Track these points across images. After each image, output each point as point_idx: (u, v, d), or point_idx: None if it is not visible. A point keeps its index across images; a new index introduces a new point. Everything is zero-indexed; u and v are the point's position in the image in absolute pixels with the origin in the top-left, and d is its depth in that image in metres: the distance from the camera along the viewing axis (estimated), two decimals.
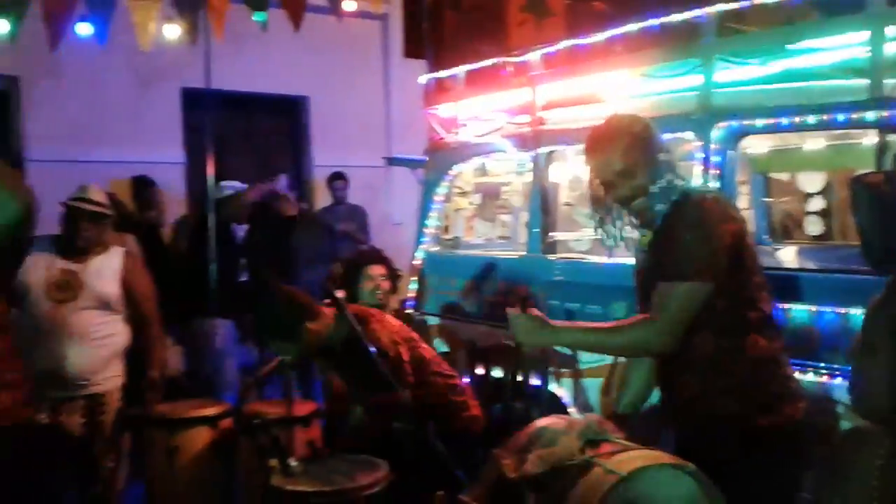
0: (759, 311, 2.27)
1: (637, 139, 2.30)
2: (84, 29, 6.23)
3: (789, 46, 3.33)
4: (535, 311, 2.37)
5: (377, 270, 4.05)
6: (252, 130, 9.54)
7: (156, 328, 4.22)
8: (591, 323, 2.46)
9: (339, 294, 3.52)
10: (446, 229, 4.92)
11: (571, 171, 4.35)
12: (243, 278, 6.08)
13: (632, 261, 3.64)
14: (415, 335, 3.34)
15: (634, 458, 2.00)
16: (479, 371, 3.96)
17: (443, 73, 4.83)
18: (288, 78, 9.04)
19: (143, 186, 6.93)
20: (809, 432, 2.31)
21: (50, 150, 7.49)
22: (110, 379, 4.04)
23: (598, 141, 2.36)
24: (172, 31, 6.08)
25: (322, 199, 8.59)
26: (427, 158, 5.02)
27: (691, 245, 2.18)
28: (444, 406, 3.17)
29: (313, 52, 8.72)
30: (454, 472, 2.47)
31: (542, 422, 2.30)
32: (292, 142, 9.90)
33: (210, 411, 3.99)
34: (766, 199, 4.57)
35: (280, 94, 9.39)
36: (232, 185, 5.97)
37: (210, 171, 5.62)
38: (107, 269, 4.01)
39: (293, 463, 2.81)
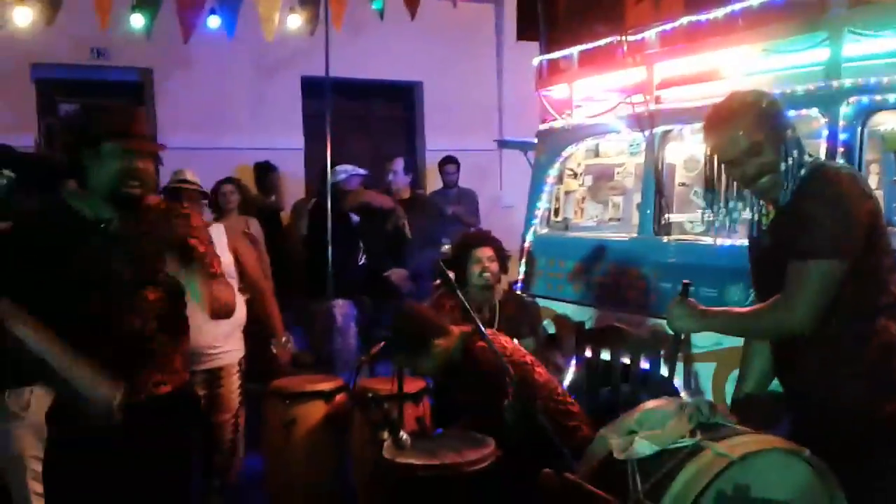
0: (889, 295, 2.18)
1: (764, 115, 2.23)
2: (214, 22, 6.53)
3: None
4: (693, 301, 2.38)
5: (485, 252, 4.07)
6: (368, 116, 9.76)
7: (270, 300, 4.36)
8: (737, 308, 2.45)
9: (450, 275, 3.58)
10: (556, 211, 4.88)
11: (687, 151, 4.24)
12: (361, 261, 6.24)
13: (748, 241, 3.56)
14: (528, 359, 3.31)
15: (746, 442, 1.96)
16: (588, 354, 3.94)
17: (556, 55, 4.79)
18: (402, 64, 9.19)
19: (264, 172, 7.26)
20: None
21: (181, 138, 7.93)
22: (230, 353, 4.20)
23: (723, 118, 2.29)
24: (294, 22, 6.29)
25: (434, 182, 8.71)
26: (538, 140, 5.00)
27: (829, 221, 2.11)
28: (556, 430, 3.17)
29: (427, 38, 8.82)
30: (561, 450, 2.46)
31: (650, 403, 2.27)
32: (406, 127, 10.07)
33: (325, 386, 4.16)
34: None
35: (394, 81, 9.56)
36: (345, 170, 6.13)
37: (328, 156, 5.78)
38: (216, 241, 4.20)
39: (403, 436, 2.88)
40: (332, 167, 5.94)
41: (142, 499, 2.43)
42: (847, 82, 3.20)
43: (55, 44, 7.34)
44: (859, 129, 3.15)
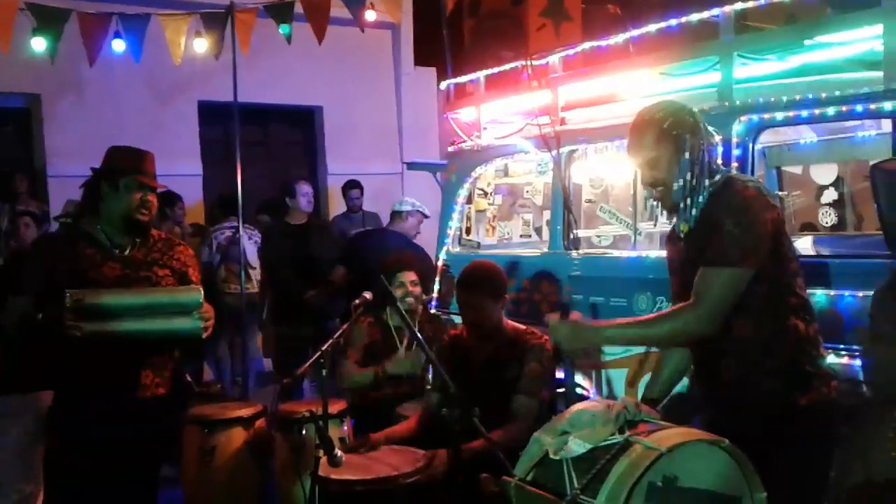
0: (796, 296, 2.35)
1: (663, 134, 2.36)
2: (118, 46, 6.33)
3: (806, 42, 3.42)
4: (577, 315, 2.42)
5: (409, 276, 4.12)
6: (268, 141, 9.68)
7: None
8: (631, 318, 2.53)
9: (367, 296, 3.62)
10: (468, 230, 5.01)
11: (592, 170, 4.45)
12: None
13: (654, 253, 3.76)
14: None
15: (672, 435, 2.05)
16: None
17: (463, 79, 4.94)
18: (302, 89, 9.19)
19: (171, 202, 6.96)
20: (838, 411, 2.39)
21: (72, 166, 7.63)
22: None
23: (632, 128, 2.45)
24: (200, 46, 6.19)
25: (336, 206, 8.71)
26: (448, 162, 5.12)
27: (736, 232, 2.24)
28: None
29: (326, 64, 8.86)
30: (497, 455, 2.54)
31: (580, 405, 2.36)
32: (307, 151, 10.03)
33: (244, 412, 4.09)
34: (780, 193, 4.66)
35: (295, 105, 9.53)
36: (412, 204, 5.97)
37: (238, 182, 5.70)
38: None
39: (338, 454, 2.89)
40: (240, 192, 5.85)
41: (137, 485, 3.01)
42: (738, 102, 3.46)
43: None
44: (750, 145, 3.41)
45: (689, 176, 2.35)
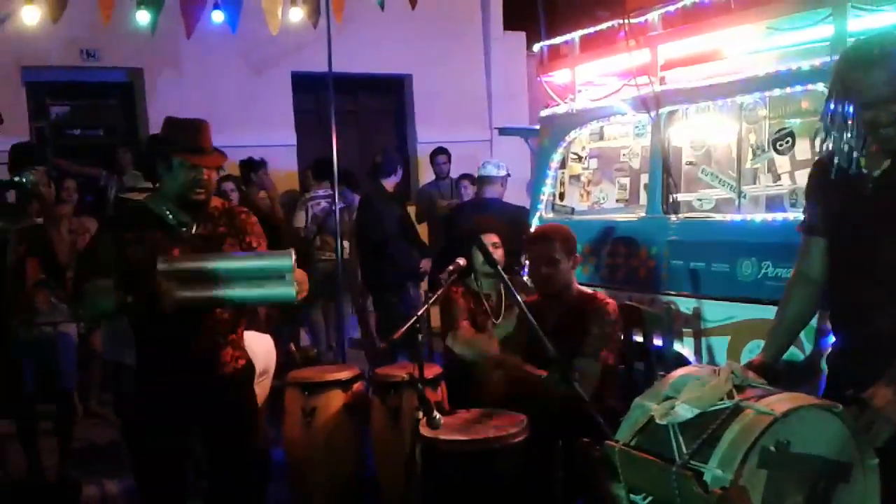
0: None
1: None
2: (217, 17, 6.48)
3: None
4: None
5: (490, 239, 4.11)
6: (358, 110, 9.77)
7: None
8: None
9: (461, 262, 3.63)
10: (562, 196, 4.94)
11: (693, 131, 4.30)
12: None
13: (759, 217, 3.61)
14: None
15: (783, 399, 1.97)
16: None
17: (557, 40, 4.84)
18: (391, 57, 9.22)
19: (249, 168, 7.10)
20: None
21: None
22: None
23: (869, 60, 2.15)
24: (296, 15, 6.25)
25: (426, 174, 8.75)
26: (541, 126, 5.05)
27: None
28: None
29: (416, 31, 8.85)
30: (598, 420, 2.51)
31: (683, 370, 2.31)
32: (396, 120, 10.09)
33: (342, 375, 4.19)
34: None
35: (384, 74, 9.58)
36: (498, 164, 6.00)
37: (334, 152, 5.75)
38: None
39: (437, 416, 2.92)
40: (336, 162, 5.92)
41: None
42: None
43: (45, 46, 7.30)
44: None
45: None
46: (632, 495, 2.08)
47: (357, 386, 4.17)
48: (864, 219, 2.25)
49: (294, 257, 2.74)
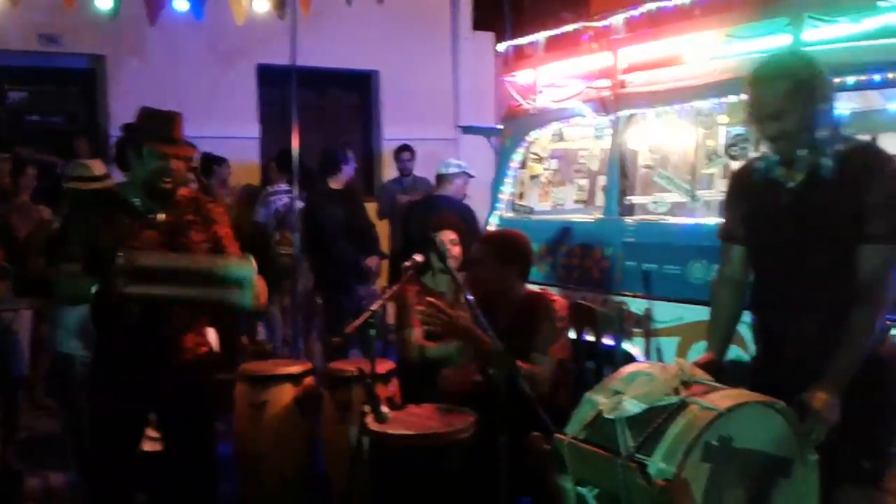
0: None
1: (797, 85, 2.24)
2: (181, 4, 6.37)
3: (880, 3, 3.26)
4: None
5: (448, 236, 4.12)
6: (324, 105, 9.71)
7: None
8: (837, 359, 2.23)
9: (418, 258, 3.63)
10: (521, 195, 4.96)
11: (651, 134, 4.35)
12: None
13: (712, 220, 3.66)
14: None
15: (727, 396, 2.04)
16: None
17: (522, 40, 4.86)
18: (359, 53, 9.17)
19: (210, 164, 7.01)
20: None
21: None
22: None
23: (758, 80, 2.32)
24: (261, 6, 6.20)
25: (391, 172, 8.71)
26: (504, 126, 5.06)
27: None
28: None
29: (384, 27, 8.82)
30: (541, 416, 2.52)
31: (633, 366, 2.34)
32: (362, 116, 10.04)
33: (294, 369, 4.16)
34: None
35: (351, 69, 9.52)
36: (459, 165, 5.97)
37: (295, 143, 5.71)
38: None
39: (384, 410, 2.91)
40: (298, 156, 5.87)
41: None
42: None
43: (4, 30, 7.14)
44: None
45: (817, 128, 2.26)
46: (579, 488, 2.10)
47: (308, 380, 4.14)
48: (784, 228, 2.36)
49: (255, 266, 2.80)
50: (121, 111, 7.99)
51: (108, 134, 8.14)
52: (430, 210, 5.34)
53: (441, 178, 5.77)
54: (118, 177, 4.92)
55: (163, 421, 3.07)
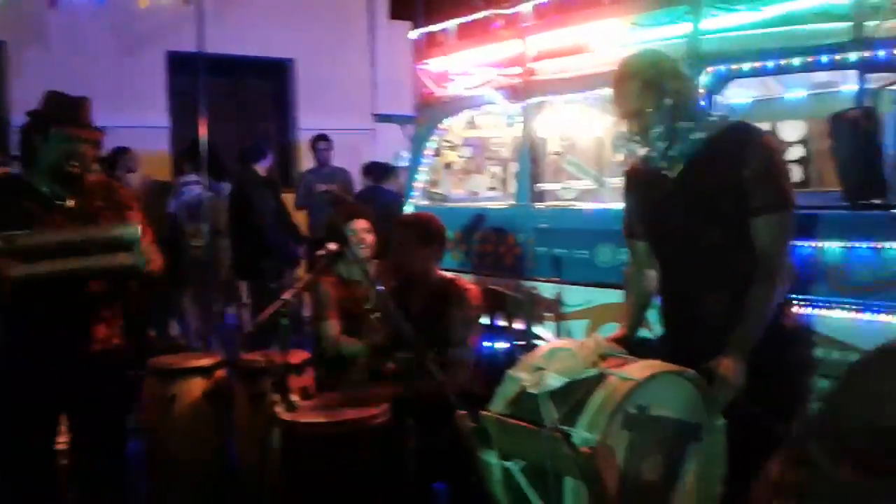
0: None
1: (644, 83, 2.35)
2: None
3: None
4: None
5: (360, 224, 4.10)
6: (239, 94, 9.52)
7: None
8: (742, 325, 2.30)
9: (332, 247, 3.60)
10: (435, 183, 4.96)
11: (560, 122, 4.41)
12: None
13: (619, 206, 3.74)
14: None
15: (642, 367, 2.12)
16: None
17: (434, 28, 4.85)
18: (274, 41, 9.02)
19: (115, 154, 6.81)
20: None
21: None
22: None
23: (615, 80, 2.43)
24: None
25: (308, 162, 8.61)
26: (417, 114, 5.05)
27: (781, 175, 2.31)
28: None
29: (299, 15, 8.71)
30: (452, 401, 2.53)
31: (553, 343, 2.41)
32: (279, 105, 9.89)
33: (204, 362, 4.07)
34: None
35: (267, 57, 9.36)
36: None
37: (203, 134, 5.59)
38: None
39: (294, 399, 2.88)
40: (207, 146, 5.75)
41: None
42: (706, 52, 3.41)
43: None
44: (717, 96, 3.38)
45: (673, 121, 2.35)
46: (505, 462, 2.15)
47: (219, 373, 4.06)
48: (673, 216, 2.45)
49: (139, 227, 2.79)
50: (22, 99, 7.67)
51: (8, 122, 7.79)
52: (375, 204, 5.32)
53: (388, 171, 5.76)
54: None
55: (72, 415, 2.98)
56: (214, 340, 6.04)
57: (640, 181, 2.58)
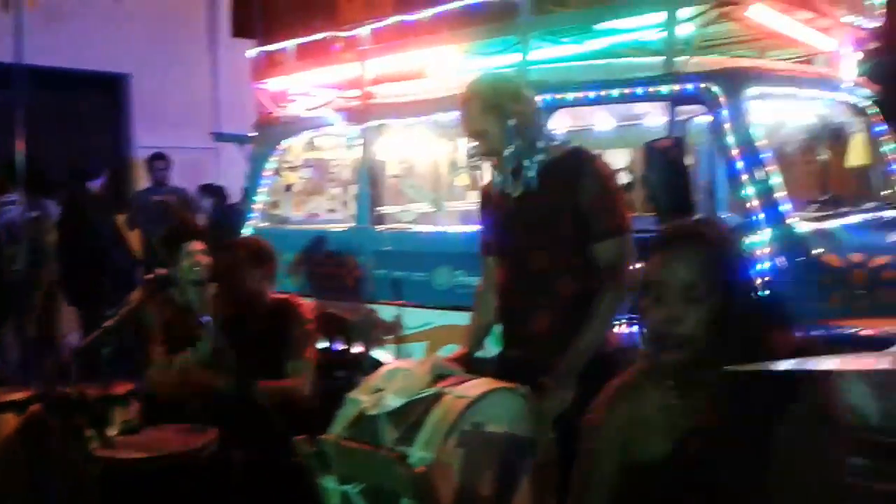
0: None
1: (486, 105, 2.41)
2: None
3: (596, 27, 3.56)
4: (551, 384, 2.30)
5: (196, 246, 3.95)
6: (69, 109, 8.98)
7: None
8: (578, 338, 2.36)
9: (161, 272, 3.45)
10: (275, 204, 4.87)
11: (398, 145, 4.44)
12: None
13: (455, 229, 3.81)
14: None
15: (477, 385, 2.16)
16: None
17: (272, 47, 4.78)
18: (108, 54, 8.60)
19: None
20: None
21: None
22: None
23: (461, 104, 2.47)
24: None
25: (146, 181, 8.25)
26: (256, 133, 4.95)
27: (617, 201, 2.39)
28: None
29: (134, 28, 8.37)
30: (278, 428, 2.47)
31: (393, 363, 2.40)
32: (114, 121, 9.42)
33: (17, 396, 3.78)
34: None
35: (99, 71, 8.90)
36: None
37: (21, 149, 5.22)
38: None
39: (111, 434, 2.72)
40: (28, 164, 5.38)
41: None
42: (533, 82, 3.53)
43: None
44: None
45: (518, 142, 2.41)
46: (344, 486, 2.12)
47: (34, 408, 3.77)
48: (513, 235, 2.53)
49: None
50: None
51: None
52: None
53: (218, 192, 5.57)
54: None
55: None
56: (36, 372, 5.62)
57: (490, 200, 2.63)
